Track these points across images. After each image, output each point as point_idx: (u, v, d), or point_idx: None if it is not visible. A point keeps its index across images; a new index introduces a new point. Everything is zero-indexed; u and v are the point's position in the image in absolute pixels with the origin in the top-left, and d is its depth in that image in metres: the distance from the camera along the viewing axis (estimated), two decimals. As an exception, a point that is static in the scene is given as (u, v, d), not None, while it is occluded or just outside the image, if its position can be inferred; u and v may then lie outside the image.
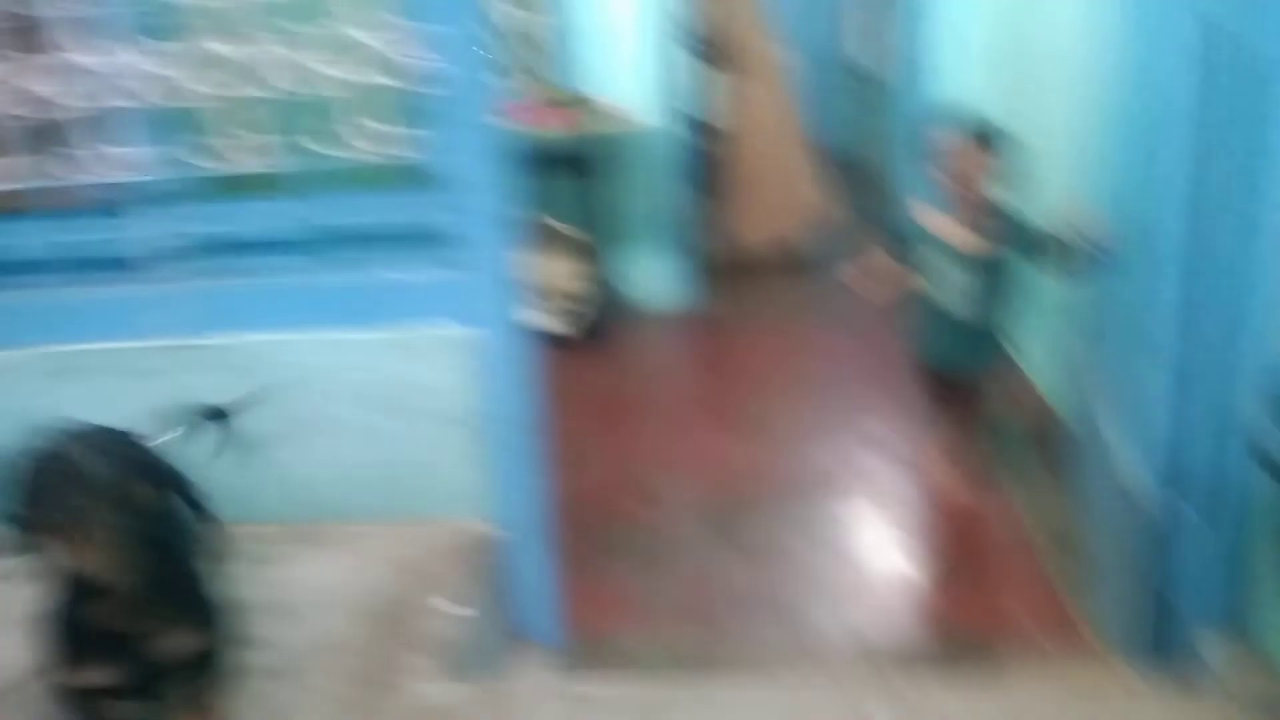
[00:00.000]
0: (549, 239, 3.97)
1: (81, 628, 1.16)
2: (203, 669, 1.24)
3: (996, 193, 2.27)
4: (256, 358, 1.67)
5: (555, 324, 3.94)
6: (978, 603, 2.07)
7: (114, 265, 1.71)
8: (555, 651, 1.74)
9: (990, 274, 2.31)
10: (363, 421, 1.70)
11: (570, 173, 3.89)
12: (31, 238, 1.71)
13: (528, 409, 1.64)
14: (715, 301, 4.74)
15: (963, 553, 2.29)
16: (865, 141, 6.53)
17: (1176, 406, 1.48)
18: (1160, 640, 1.56)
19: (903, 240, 2.46)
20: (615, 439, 3.09)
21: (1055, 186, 2.80)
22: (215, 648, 1.24)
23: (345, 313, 1.66)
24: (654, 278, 4.36)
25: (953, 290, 2.36)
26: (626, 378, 3.79)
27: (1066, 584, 2.07)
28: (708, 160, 4.72)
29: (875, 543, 2.32)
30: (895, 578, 2.17)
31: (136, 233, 1.69)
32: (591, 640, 2.05)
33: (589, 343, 3.98)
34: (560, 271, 4.00)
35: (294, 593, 1.24)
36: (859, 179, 5.93)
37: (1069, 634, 1.91)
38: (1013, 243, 2.28)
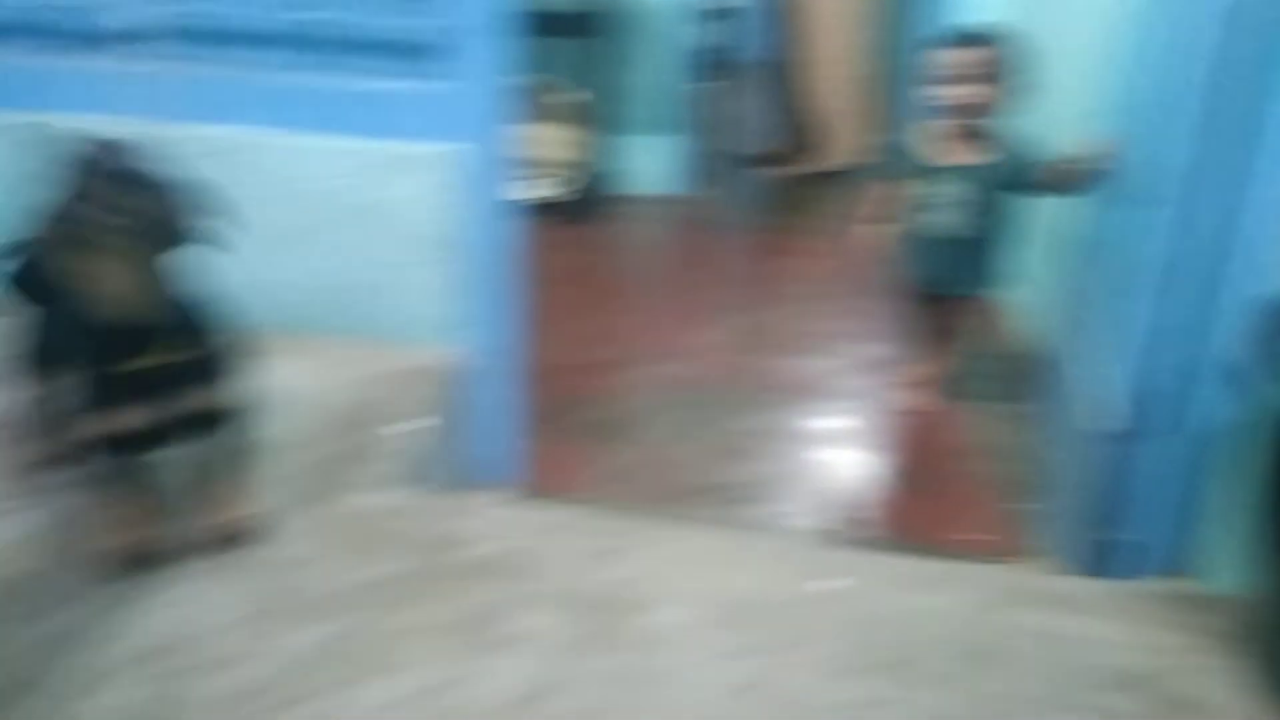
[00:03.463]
0: (545, 102, 3.84)
1: (113, 374, 1.11)
2: (219, 428, 1.21)
3: (993, 103, 2.21)
4: (231, 154, 1.60)
5: (542, 192, 3.86)
6: (930, 510, 2.10)
7: (95, 38, 1.64)
8: (513, 490, 1.74)
9: (981, 194, 2.27)
10: (343, 236, 1.66)
11: (575, 34, 3.74)
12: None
13: (506, 236, 1.60)
14: (715, 192, 4.67)
15: (919, 461, 2.32)
16: (879, 63, 6.36)
17: (1152, 342, 1.47)
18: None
19: (902, 161, 2.42)
20: (594, 316, 3.08)
21: (1064, 105, 2.74)
22: (228, 408, 1.21)
23: (326, 118, 1.60)
24: (652, 158, 4.27)
25: (940, 210, 2.33)
26: (613, 257, 3.76)
27: (1019, 506, 2.10)
28: (729, 42, 4.52)
29: (836, 444, 2.34)
30: (854, 478, 2.20)
31: (120, 7, 1.60)
32: (548, 497, 2.06)
33: (577, 217, 3.92)
34: (553, 138, 3.90)
35: (256, 394, 1.22)
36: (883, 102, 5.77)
37: (1015, 552, 1.96)
38: (1008, 162, 2.24)
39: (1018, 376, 2.73)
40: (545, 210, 3.83)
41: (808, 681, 1.01)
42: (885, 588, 1.13)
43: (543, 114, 3.91)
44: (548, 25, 3.84)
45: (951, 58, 2.21)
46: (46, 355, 1.15)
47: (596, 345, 2.83)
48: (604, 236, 3.92)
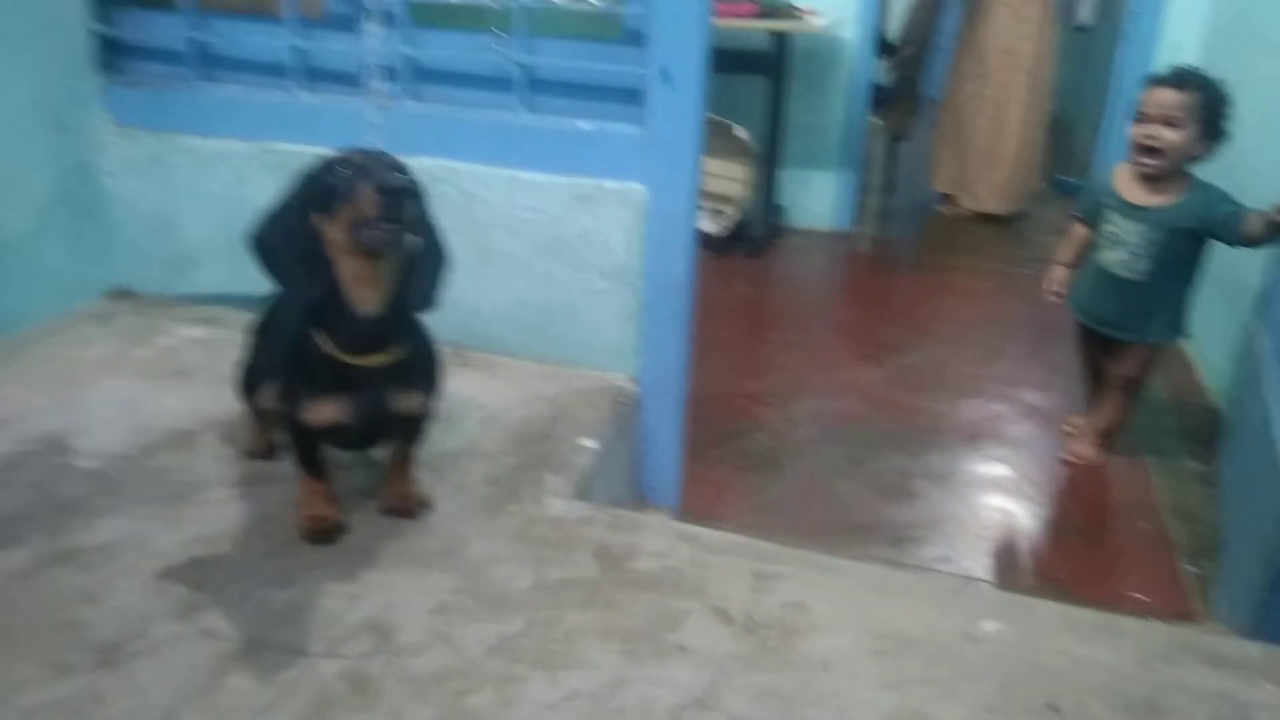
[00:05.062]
0: (714, 136, 3.95)
1: (324, 364, 1.18)
2: (415, 431, 1.35)
3: (1188, 146, 2.16)
4: (449, 184, 1.77)
5: (705, 224, 3.95)
6: (1093, 564, 2.05)
7: (338, 77, 1.84)
8: (672, 512, 1.84)
9: (1165, 237, 2.21)
10: (535, 264, 1.80)
11: (748, 72, 3.84)
12: (275, 40, 1.84)
13: (687, 276, 1.70)
14: (877, 230, 4.67)
15: (1086, 514, 2.26)
16: (1077, 103, 6.18)
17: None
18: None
19: (1094, 203, 2.39)
20: (752, 347, 3.15)
21: (1265, 155, 2.63)
22: (427, 413, 1.33)
23: (535, 155, 1.74)
24: (817, 195, 4.33)
25: (1121, 249, 2.28)
26: (774, 290, 3.82)
27: (1190, 566, 2.03)
28: (900, 86, 4.52)
29: (998, 491, 2.32)
30: (1012, 527, 2.17)
31: (364, 49, 1.80)
32: (701, 520, 2.14)
33: (740, 249, 4.01)
34: (720, 171, 3.99)
35: (447, 404, 1.35)
36: (1060, 143, 5.60)
37: (1183, 612, 1.89)
38: (1199, 207, 2.18)
39: (1196, 432, 2.62)
40: (708, 243, 3.94)
41: (960, 718, 1.04)
42: (1044, 634, 1.14)
43: (709, 149, 4.02)
44: (716, 62, 3.97)
45: (1149, 97, 2.18)
46: (289, 348, 1.24)
47: (754, 378, 2.89)
48: (766, 270, 3.98)
